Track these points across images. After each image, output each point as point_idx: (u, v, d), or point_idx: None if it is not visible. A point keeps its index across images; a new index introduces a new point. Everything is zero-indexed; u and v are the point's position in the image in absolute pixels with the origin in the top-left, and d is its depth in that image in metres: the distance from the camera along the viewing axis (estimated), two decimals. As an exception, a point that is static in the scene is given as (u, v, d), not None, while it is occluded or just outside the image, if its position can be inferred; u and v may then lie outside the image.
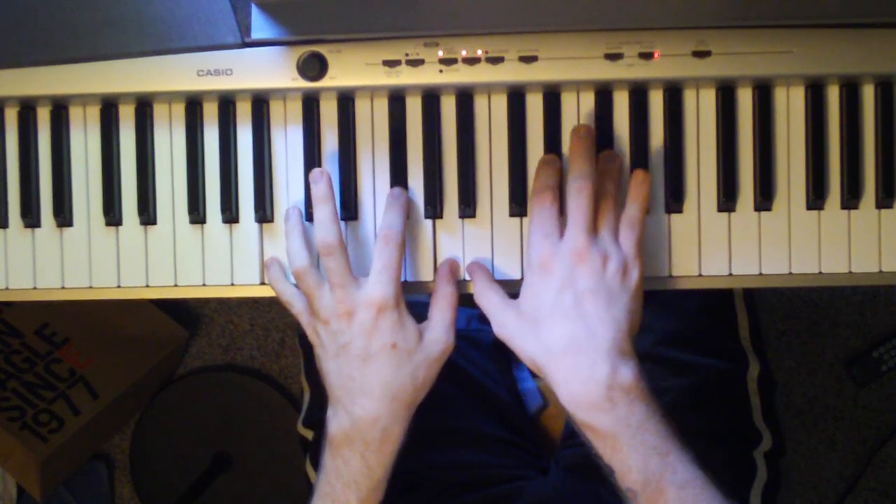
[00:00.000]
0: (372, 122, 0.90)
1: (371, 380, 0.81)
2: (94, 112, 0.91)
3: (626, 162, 0.88)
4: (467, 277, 0.89)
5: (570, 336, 0.77)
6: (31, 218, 0.91)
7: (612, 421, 0.75)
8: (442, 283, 0.86)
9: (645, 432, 0.75)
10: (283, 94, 0.89)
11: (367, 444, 0.81)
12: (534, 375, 1.14)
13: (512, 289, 0.88)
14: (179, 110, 0.90)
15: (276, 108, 0.90)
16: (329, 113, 0.90)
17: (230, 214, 0.90)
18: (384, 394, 0.81)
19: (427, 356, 0.83)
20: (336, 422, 0.82)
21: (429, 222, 0.89)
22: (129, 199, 0.91)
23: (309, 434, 1.09)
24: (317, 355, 0.85)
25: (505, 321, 0.81)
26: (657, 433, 0.76)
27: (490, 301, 0.83)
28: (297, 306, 0.85)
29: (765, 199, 0.88)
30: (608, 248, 0.80)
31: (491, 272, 0.88)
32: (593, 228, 0.80)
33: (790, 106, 0.88)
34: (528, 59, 0.86)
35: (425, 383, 0.83)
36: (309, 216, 0.88)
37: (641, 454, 0.75)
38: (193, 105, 0.90)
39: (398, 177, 0.89)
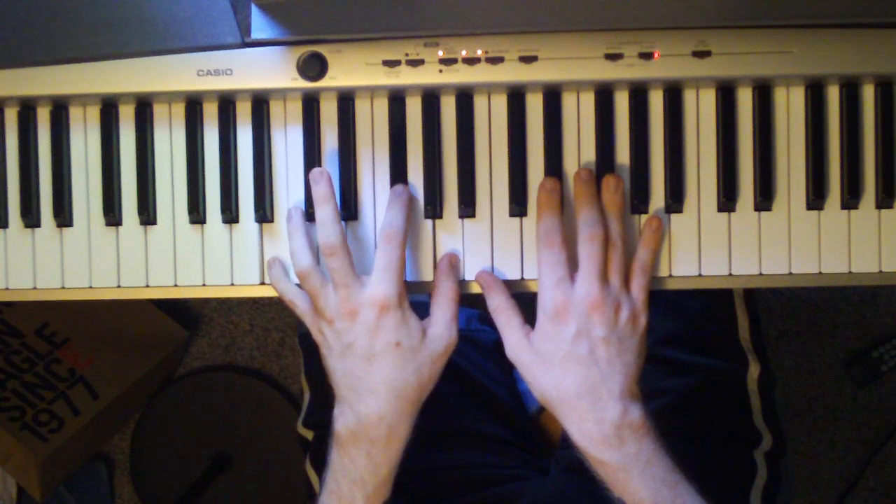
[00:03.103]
0: (372, 122, 0.90)
1: (376, 378, 0.81)
2: (94, 112, 0.91)
3: (627, 162, 0.88)
4: (468, 277, 0.89)
5: (584, 381, 0.81)
6: (31, 218, 0.91)
7: (623, 456, 0.79)
8: (442, 279, 0.87)
9: (653, 466, 0.79)
10: (283, 94, 0.89)
11: (373, 442, 0.81)
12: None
13: (512, 289, 0.88)
14: (179, 110, 0.90)
15: (276, 108, 0.90)
16: (329, 113, 0.90)
17: (230, 214, 0.90)
18: (389, 392, 0.81)
19: (431, 353, 0.83)
20: (342, 420, 0.83)
21: (429, 222, 0.89)
22: (129, 199, 0.91)
23: (309, 434, 1.09)
24: (322, 355, 0.85)
25: (520, 351, 0.84)
26: (664, 466, 0.80)
27: (509, 322, 0.85)
28: (300, 306, 0.85)
29: (765, 199, 0.88)
30: (620, 297, 0.83)
31: (502, 284, 0.88)
32: (604, 275, 0.83)
33: (790, 106, 0.88)
34: (528, 59, 0.86)
35: (430, 380, 0.83)
36: (309, 216, 0.88)
37: (651, 486, 0.79)
38: (193, 105, 0.90)
39: (398, 177, 0.89)
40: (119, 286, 0.91)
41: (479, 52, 0.86)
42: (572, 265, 0.83)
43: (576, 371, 0.81)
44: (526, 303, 0.87)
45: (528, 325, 0.84)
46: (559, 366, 0.81)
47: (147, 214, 0.90)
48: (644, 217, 0.88)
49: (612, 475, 0.80)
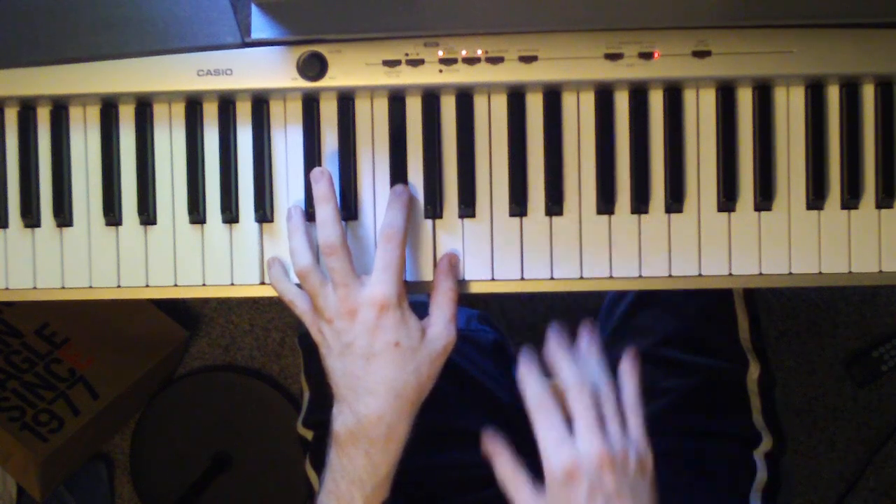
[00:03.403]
0: (372, 122, 0.90)
1: (375, 378, 0.81)
2: (94, 112, 0.91)
3: (627, 162, 0.88)
4: (468, 277, 0.89)
5: None
6: (31, 218, 0.91)
7: None
8: (441, 278, 0.87)
9: None
10: (283, 94, 0.89)
11: (372, 441, 0.81)
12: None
13: (511, 288, 0.88)
14: (179, 110, 0.90)
15: (276, 108, 0.90)
16: (329, 113, 0.90)
17: (230, 214, 0.90)
18: (388, 392, 0.81)
19: (430, 353, 0.83)
20: (341, 420, 0.83)
21: (429, 222, 0.89)
22: (129, 199, 0.91)
23: (309, 434, 1.09)
24: (322, 354, 0.85)
25: None
26: None
27: (519, 492, 0.81)
28: (300, 306, 0.85)
29: (765, 199, 0.88)
30: (622, 443, 0.80)
31: (507, 451, 0.85)
32: (601, 423, 0.80)
33: (790, 106, 0.88)
34: (528, 59, 0.86)
35: (429, 380, 0.83)
36: (309, 216, 0.88)
37: None
38: (193, 105, 0.90)
39: (398, 177, 0.89)
40: (119, 286, 0.91)
41: (479, 52, 0.86)
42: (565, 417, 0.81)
43: None
44: (526, 302, 0.87)
45: (538, 483, 0.81)
46: None
47: (147, 214, 0.90)
48: (644, 217, 0.88)
49: None
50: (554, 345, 0.84)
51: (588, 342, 0.85)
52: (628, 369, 0.85)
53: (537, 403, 0.82)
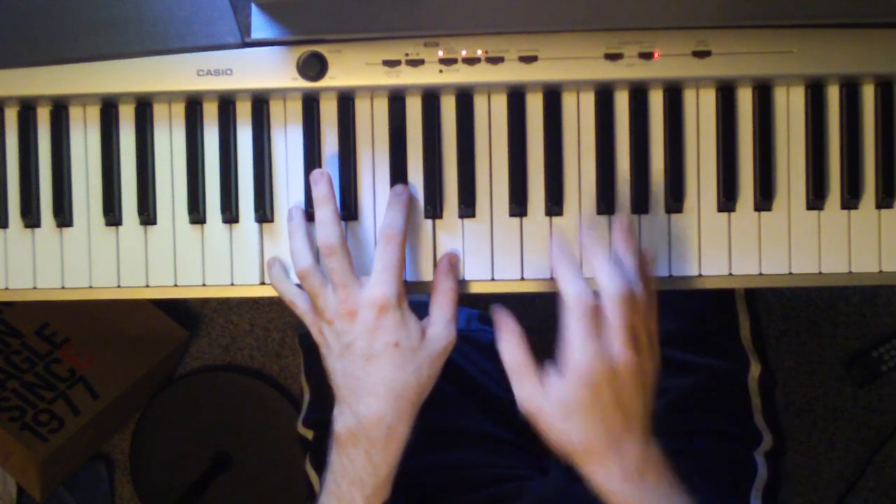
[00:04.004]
0: (372, 122, 0.90)
1: (375, 379, 0.81)
2: (94, 112, 0.91)
3: (627, 162, 0.88)
4: (468, 277, 0.89)
5: (608, 428, 0.78)
6: (31, 218, 0.91)
7: (642, 492, 0.78)
8: (441, 278, 0.87)
9: (672, 496, 0.79)
10: (283, 94, 0.89)
11: (373, 442, 0.81)
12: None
13: (511, 288, 0.88)
14: (179, 110, 0.90)
15: (276, 108, 0.90)
16: (329, 113, 0.90)
17: (230, 214, 0.90)
18: (388, 392, 0.81)
19: (430, 353, 0.83)
20: (342, 420, 0.83)
21: (429, 222, 0.89)
22: (129, 199, 0.91)
23: (309, 434, 1.09)
24: (322, 355, 0.85)
25: (536, 400, 0.79)
26: (681, 496, 0.80)
27: (523, 375, 0.81)
28: (300, 306, 0.85)
29: (765, 199, 0.88)
30: (649, 351, 0.79)
31: (518, 331, 0.83)
32: (634, 334, 0.78)
33: (790, 106, 0.88)
34: (528, 59, 0.86)
35: (429, 380, 0.83)
36: (309, 216, 0.88)
37: None
38: (193, 105, 0.90)
39: (398, 177, 0.89)
40: (119, 286, 0.91)
41: (479, 52, 0.86)
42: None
43: (599, 419, 0.78)
44: (525, 303, 0.87)
45: (542, 371, 0.80)
46: (581, 415, 0.78)
47: (147, 214, 0.90)
48: (644, 217, 0.88)
49: None
50: (590, 241, 0.81)
51: (624, 241, 0.82)
52: (644, 268, 0.82)
53: (573, 303, 0.78)
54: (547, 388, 0.79)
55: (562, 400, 0.78)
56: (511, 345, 0.81)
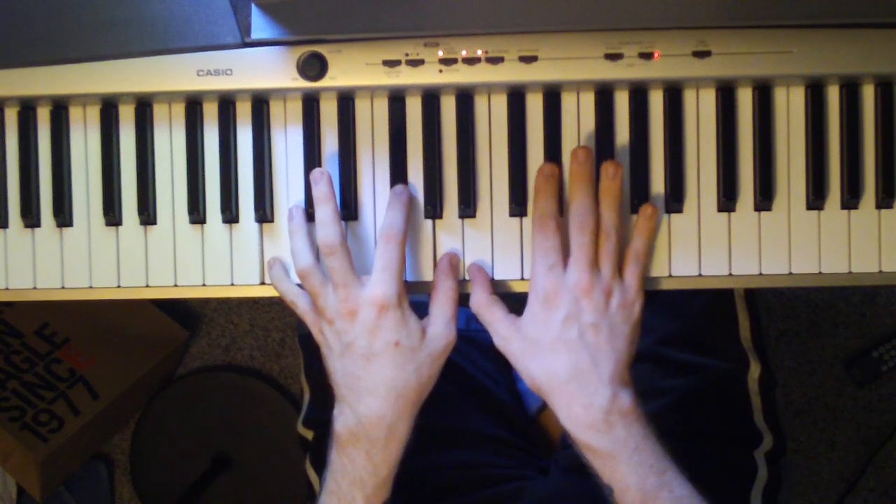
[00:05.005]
0: (372, 122, 0.90)
1: (375, 378, 0.81)
2: (94, 112, 0.91)
3: (626, 162, 0.88)
4: (468, 277, 0.89)
5: (573, 365, 0.81)
6: (31, 218, 0.91)
7: (611, 442, 0.79)
8: (442, 278, 0.87)
9: (642, 452, 0.79)
10: (283, 94, 0.89)
11: (373, 442, 0.81)
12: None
13: (511, 288, 0.88)
14: (179, 110, 0.90)
15: (276, 108, 0.90)
16: (329, 113, 0.90)
17: (230, 214, 0.90)
18: (389, 392, 0.81)
19: (430, 353, 0.83)
20: (342, 420, 0.83)
21: (429, 222, 0.89)
22: (129, 199, 0.91)
23: (309, 434, 1.09)
24: (323, 354, 0.85)
25: (508, 338, 0.84)
26: (653, 453, 0.80)
27: (493, 315, 0.85)
28: (301, 306, 0.86)
29: (765, 199, 0.88)
30: (612, 284, 0.83)
31: (491, 277, 0.88)
32: (595, 263, 0.83)
33: (790, 106, 0.88)
34: (528, 59, 0.86)
35: (429, 380, 0.83)
36: (309, 216, 0.88)
37: (639, 473, 0.78)
38: (193, 105, 0.90)
39: (398, 177, 0.89)
40: (119, 286, 0.91)
41: (479, 52, 0.86)
42: (566, 251, 0.83)
43: (565, 355, 0.81)
44: (525, 303, 0.87)
45: (514, 314, 0.85)
46: (548, 350, 0.81)
47: (147, 214, 0.90)
48: (644, 217, 0.88)
49: (600, 461, 0.80)
50: (576, 169, 0.84)
51: (611, 181, 0.85)
52: (643, 222, 0.86)
53: (540, 224, 0.84)
54: (519, 325, 0.83)
55: (529, 334, 0.82)
56: (479, 287, 0.86)
